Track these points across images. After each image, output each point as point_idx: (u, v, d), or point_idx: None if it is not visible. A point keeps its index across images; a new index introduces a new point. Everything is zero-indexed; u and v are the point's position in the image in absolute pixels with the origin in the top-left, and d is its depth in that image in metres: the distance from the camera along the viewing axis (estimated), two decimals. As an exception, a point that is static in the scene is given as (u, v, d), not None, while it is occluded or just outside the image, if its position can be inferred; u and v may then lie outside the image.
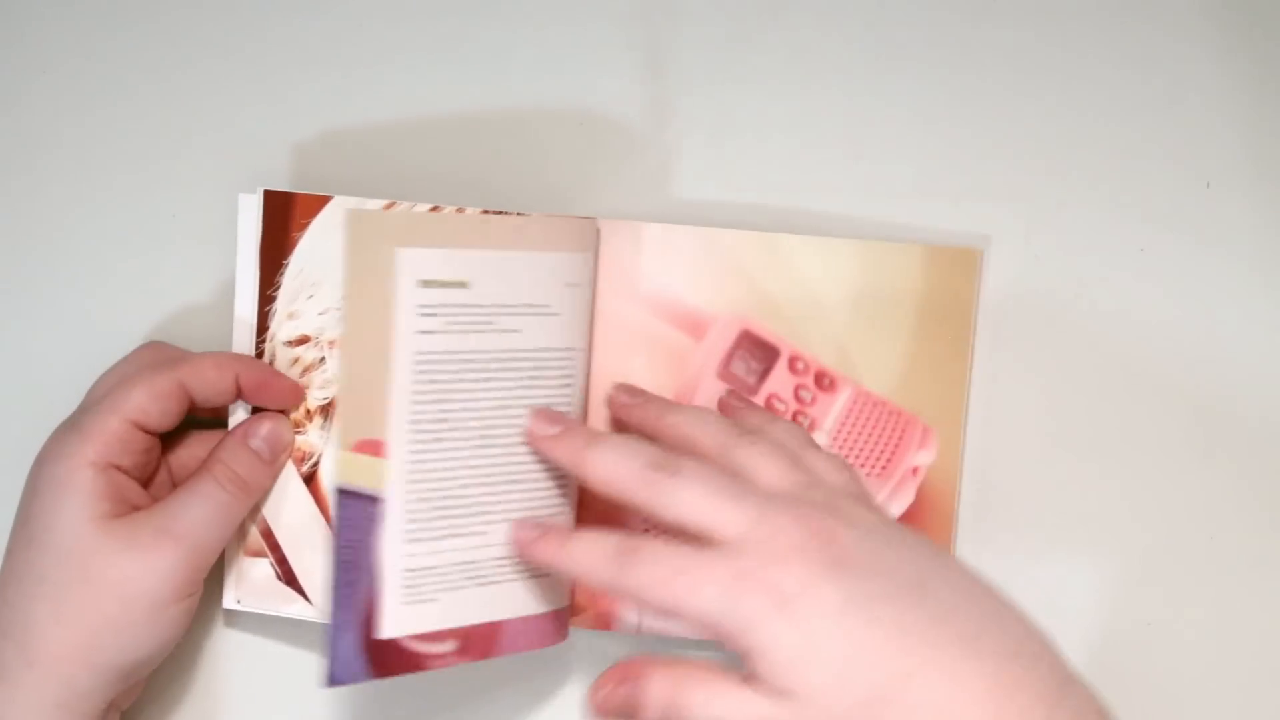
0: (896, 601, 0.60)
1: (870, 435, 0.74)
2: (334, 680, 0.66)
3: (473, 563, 0.68)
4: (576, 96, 0.74)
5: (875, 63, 0.75)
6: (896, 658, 0.59)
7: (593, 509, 0.73)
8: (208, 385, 0.69)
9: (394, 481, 0.66)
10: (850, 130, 0.75)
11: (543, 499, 0.70)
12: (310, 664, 0.75)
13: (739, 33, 0.74)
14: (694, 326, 0.73)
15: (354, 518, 0.66)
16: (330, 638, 0.66)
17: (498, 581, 0.69)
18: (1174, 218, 0.75)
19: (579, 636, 0.75)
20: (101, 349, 0.71)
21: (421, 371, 0.66)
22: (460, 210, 0.69)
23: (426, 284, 0.66)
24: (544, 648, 0.71)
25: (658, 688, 0.61)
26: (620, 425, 0.71)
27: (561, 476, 0.70)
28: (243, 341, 0.71)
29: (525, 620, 0.70)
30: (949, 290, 0.73)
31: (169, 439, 0.72)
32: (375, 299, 0.65)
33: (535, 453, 0.69)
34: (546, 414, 0.68)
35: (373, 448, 0.66)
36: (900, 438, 0.73)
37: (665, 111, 0.74)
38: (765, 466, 0.64)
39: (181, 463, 0.72)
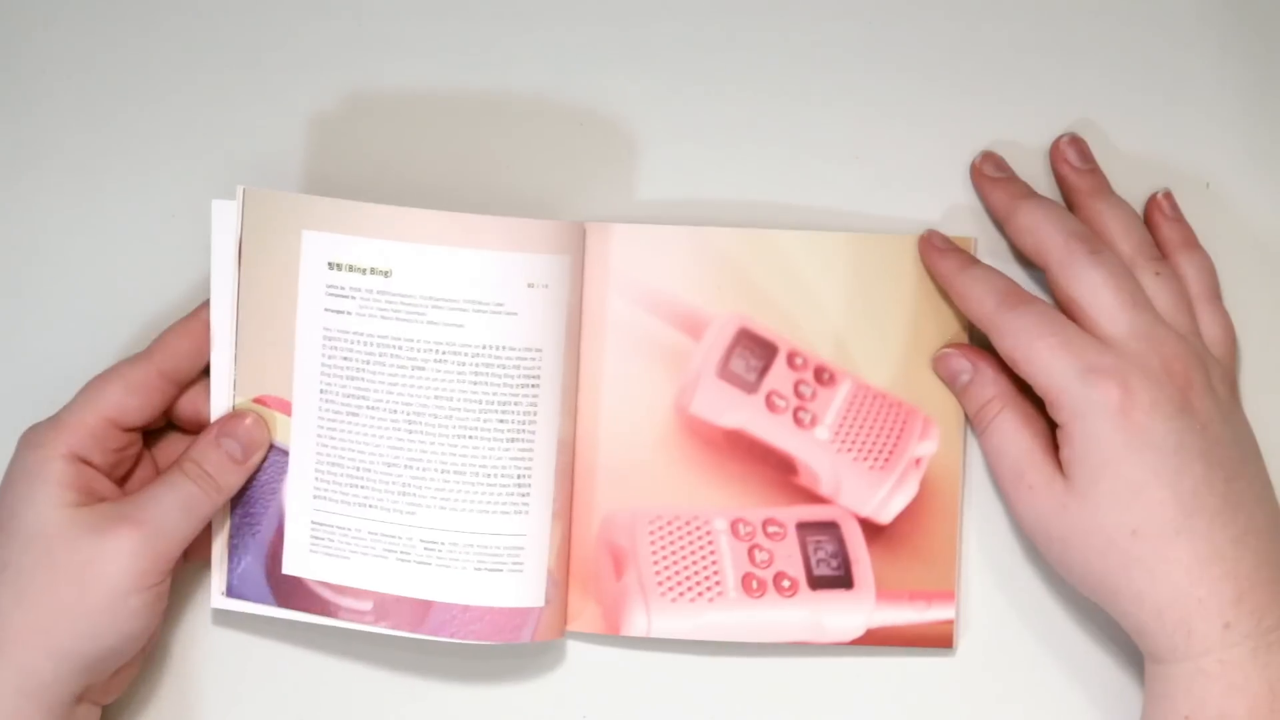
0: (1210, 471, 0.66)
1: (872, 428, 0.73)
2: (230, 592, 0.72)
3: (395, 538, 0.71)
4: (576, 98, 0.75)
5: (871, 61, 0.75)
6: (1178, 518, 0.65)
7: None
8: (183, 358, 0.70)
9: (300, 439, 0.71)
10: (848, 129, 0.75)
11: (494, 496, 0.70)
12: (299, 662, 0.75)
13: (733, 32, 0.75)
14: (692, 326, 0.73)
15: (264, 461, 0.72)
16: (229, 556, 0.72)
17: (428, 564, 0.71)
18: (1174, 217, 0.75)
19: (578, 640, 0.75)
20: (100, 348, 0.71)
21: (332, 347, 0.70)
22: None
23: (334, 266, 0.70)
24: (499, 642, 0.71)
25: (986, 392, 0.70)
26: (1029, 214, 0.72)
27: (522, 478, 0.71)
28: (224, 346, 0.71)
29: (466, 609, 0.71)
30: (944, 280, 0.73)
31: (156, 437, 0.73)
32: (277, 273, 0.70)
33: (977, 188, 0.74)
34: (995, 160, 0.74)
35: (278, 404, 0.71)
36: (902, 429, 0.73)
37: (662, 113, 0.75)
38: (1163, 298, 0.69)
39: (167, 457, 0.72)
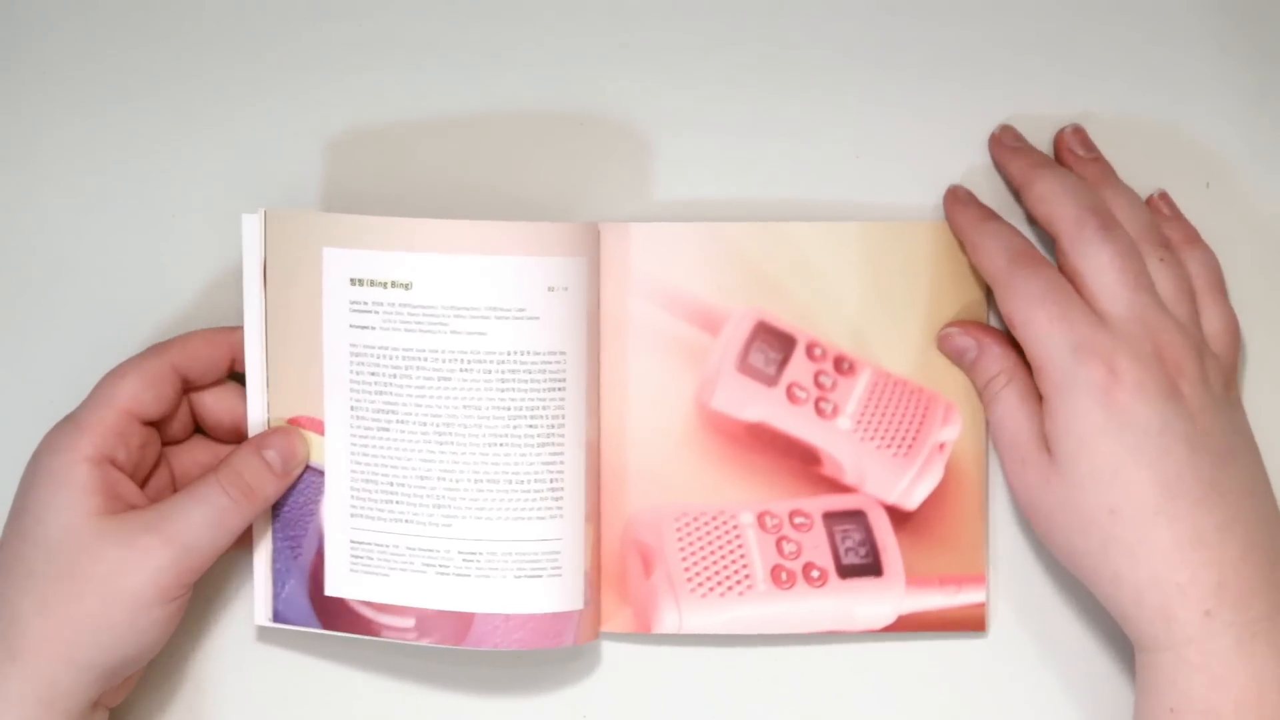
0: (1196, 456, 0.65)
1: (893, 415, 0.73)
2: (277, 618, 0.72)
3: (433, 551, 0.70)
4: (579, 98, 0.76)
5: (878, 57, 0.76)
6: (1158, 500, 0.65)
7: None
8: (200, 362, 0.70)
9: (334, 458, 0.71)
10: (855, 123, 0.76)
11: (528, 502, 0.70)
12: (332, 671, 0.75)
13: (740, 30, 0.76)
14: (709, 322, 0.74)
15: (300, 482, 0.71)
16: (272, 581, 0.72)
17: (467, 575, 0.70)
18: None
19: (611, 641, 0.75)
20: (105, 352, 0.71)
21: (359, 363, 0.70)
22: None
23: (357, 282, 0.70)
24: (539, 649, 0.71)
25: (993, 366, 0.71)
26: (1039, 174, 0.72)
27: (554, 482, 0.70)
28: (255, 369, 0.71)
29: (508, 619, 0.70)
30: (959, 264, 0.73)
31: (176, 445, 0.72)
32: (302, 293, 0.70)
33: (995, 159, 0.74)
34: (1013, 133, 0.74)
35: (311, 424, 0.71)
36: (924, 415, 0.73)
37: (671, 112, 0.76)
38: (1166, 284, 0.69)
39: (184, 469, 0.72)
